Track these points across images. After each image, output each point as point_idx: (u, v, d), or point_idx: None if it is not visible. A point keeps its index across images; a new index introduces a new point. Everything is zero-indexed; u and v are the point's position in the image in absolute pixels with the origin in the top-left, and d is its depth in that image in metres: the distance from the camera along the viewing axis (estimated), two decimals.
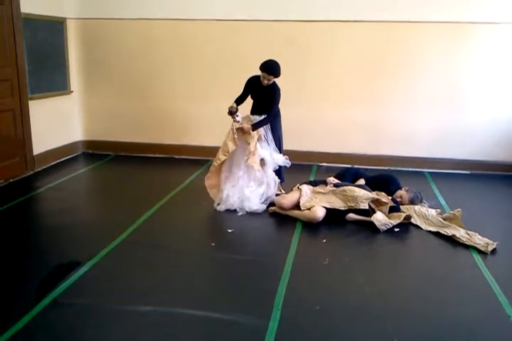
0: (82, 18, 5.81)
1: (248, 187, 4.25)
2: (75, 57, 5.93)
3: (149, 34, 5.78)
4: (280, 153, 4.40)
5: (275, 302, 2.73)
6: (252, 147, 4.12)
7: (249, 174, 4.27)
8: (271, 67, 4.10)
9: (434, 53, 5.39)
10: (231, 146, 4.14)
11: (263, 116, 4.21)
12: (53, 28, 5.49)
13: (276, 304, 2.71)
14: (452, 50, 5.36)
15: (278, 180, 4.36)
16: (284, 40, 5.51)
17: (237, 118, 4.15)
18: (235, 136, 4.13)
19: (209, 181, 4.33)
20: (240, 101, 4.32)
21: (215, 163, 4.24)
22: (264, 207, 4.23)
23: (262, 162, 4.24)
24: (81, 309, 2.65)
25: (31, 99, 5.16)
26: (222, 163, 4.24)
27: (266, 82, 4.15)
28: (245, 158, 4.15)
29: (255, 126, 4.16)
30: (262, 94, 4.26)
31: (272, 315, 2.60)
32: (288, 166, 4.38)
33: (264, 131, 4.28)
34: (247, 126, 4.14)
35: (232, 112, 4.13)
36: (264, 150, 4.26)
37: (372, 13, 5.30)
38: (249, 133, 4.13)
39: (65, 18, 5.67)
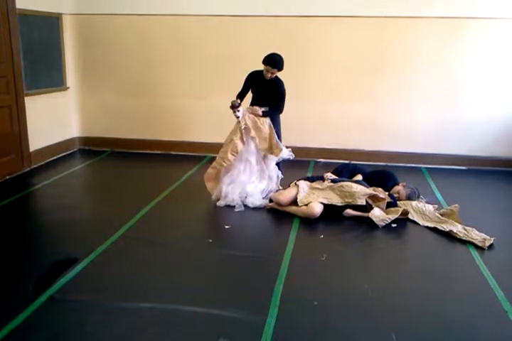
0: (78, 14, 5.78)
1: (250, 183, 4.25)
2: (71, 53, 5.89)
3: (147, 30, 5.75)
4: None
5: (273, 298, 2.73)
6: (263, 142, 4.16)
7: (251, 169, 4.25)
8: (275, 61, 4.08)
9: (432, 49, 5.37)
10: (240, 146, 4.13)
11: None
12: (49, 24, 5.45)
13: (274, 300, 2.71)
14: (451, 45, 5.34)
15: (281, 176, 4.35)
16: (284, 35, 5.48)
17: (238, 114, 4.13)
18: (243, 135, 4.13)
19: (208, 174, 4.32)
20: (241, 96, 4.30)
21: (223, 163, 4.16)
22: (267, 201, 4.23)
23: (265, 156, 4.25)
24: (79, 306, 2.64)
25: (27, 95, 5.13)
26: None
27: (269, 75, 4.14)
28: (264, 153, 4.21)
29: (265, 113, 4.17)
30: (265, 89, 4.24)
31: (270, 311, 2.60)
32: (292, 158, 4.35)
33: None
34: (259, 110, 4.16)
35: (234, 106, 4.11)
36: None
37: (371, 8, 5.27)
38: (258, 115, 4.16)
39: (61, 14, 5.63)
